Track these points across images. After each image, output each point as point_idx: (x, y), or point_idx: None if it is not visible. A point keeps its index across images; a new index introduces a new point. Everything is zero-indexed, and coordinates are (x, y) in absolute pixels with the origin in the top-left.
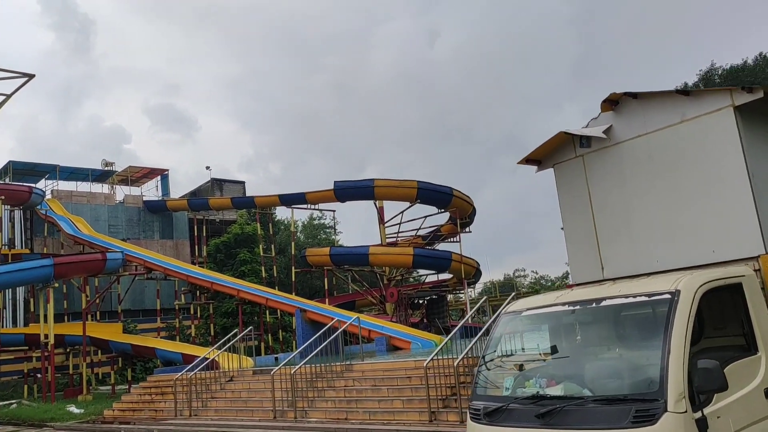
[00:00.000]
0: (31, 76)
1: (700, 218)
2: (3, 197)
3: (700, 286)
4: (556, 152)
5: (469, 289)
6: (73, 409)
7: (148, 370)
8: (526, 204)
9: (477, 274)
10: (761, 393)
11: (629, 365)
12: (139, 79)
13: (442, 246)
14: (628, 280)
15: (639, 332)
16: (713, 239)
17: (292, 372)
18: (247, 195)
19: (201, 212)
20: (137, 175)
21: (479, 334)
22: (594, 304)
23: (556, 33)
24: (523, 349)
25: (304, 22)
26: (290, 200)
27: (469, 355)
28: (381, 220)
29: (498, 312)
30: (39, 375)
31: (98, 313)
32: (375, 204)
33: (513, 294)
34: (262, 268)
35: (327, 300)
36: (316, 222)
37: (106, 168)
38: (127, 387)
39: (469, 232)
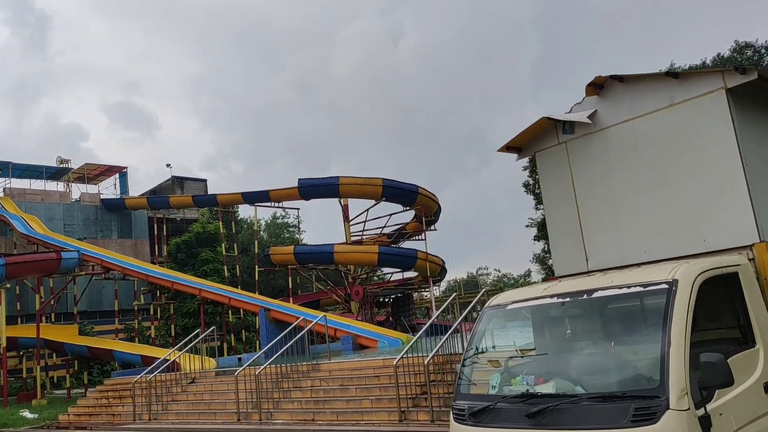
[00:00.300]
0: None
1: (690, 206)
2: None
3: (699, 274)
4: (537, 139)
5: (434, 287)
6: (27, 414)
7: (105, 373)
8: (489, 203)
9: (442, 272)
10: (761, 388)
11: (626, 360)
12: (97, 77)
13: (407, 244)
14: (619, 271)
15: (635, 325)
16: (704, 228)
17: (257, 372)
18: (209, 193)
19: (161, 211)
20: (94, 173)
21: (449, 332)
22: (585, 296)
23: (517, 33)
24: (513, 344)
25: (267, 20)
26: (254, 198)
27: (440, 353)
28: (346, 218)
29: (467, 309)
30: None
31: (53, 314)
32: (340, 202)
33: (483, 290)
34: (225, 268)
35: (291, 299)
36: (279, 221)
37: (61, 165)
38: (84, 391)
39: (435, 230)
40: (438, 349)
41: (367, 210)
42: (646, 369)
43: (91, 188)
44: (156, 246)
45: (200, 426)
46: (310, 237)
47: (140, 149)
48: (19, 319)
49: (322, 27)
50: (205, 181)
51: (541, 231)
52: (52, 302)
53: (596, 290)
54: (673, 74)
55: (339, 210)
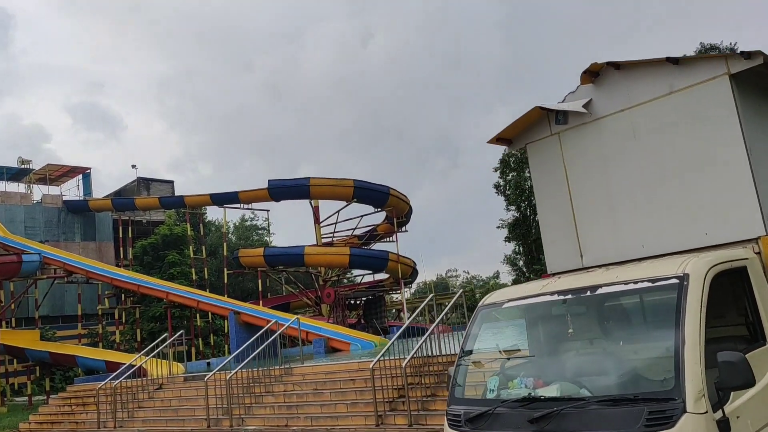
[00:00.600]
0: None
1: (691, 199)
2: None
3: (710, 268)
4: (529, 130)
5: (405, 289)
6: None
7: (68, 379)
8: (459, 205)
9: (414, 273)
10: None
11: (636, 360)
12: (60, 77)
13: (378, 246)
14: (621, 266)
15: (644, 322)
16: (706, 221)
17: (227, 377)
18: (176, 195)
19: (126, 213)
20: (57, 174)
21: (427, 334)
22: (588, 293)
23: (485, 35)
24: (511, 345)
25: (235, 20)
26: (222, 200)
27: (417, 355)
28: (316, 220)
29: (444, 312)
30: None
31: (13, 319)
32: (310, 203)
33: (460, 291)
34: (193, 271)
35: (261, 302)
36: (248, 223)
37: (22, 166)
38: (46, 398)
39: (406, 231)
40: (415, 352)
41: (338, 211)
42: (659, 369)
43: (54, 189)
44: (121, 249)
45: None
46: (280, 239)
47: (105, 151)
48: None
49: (290, 28)
50: (172, 182)
51: (512, 232)
52: (12, 306)
53: (600, 286)
54: (673, 60)
55: (309, 212)
